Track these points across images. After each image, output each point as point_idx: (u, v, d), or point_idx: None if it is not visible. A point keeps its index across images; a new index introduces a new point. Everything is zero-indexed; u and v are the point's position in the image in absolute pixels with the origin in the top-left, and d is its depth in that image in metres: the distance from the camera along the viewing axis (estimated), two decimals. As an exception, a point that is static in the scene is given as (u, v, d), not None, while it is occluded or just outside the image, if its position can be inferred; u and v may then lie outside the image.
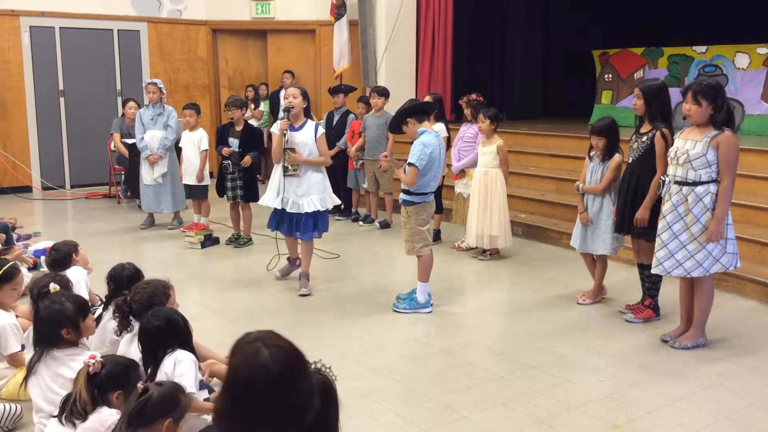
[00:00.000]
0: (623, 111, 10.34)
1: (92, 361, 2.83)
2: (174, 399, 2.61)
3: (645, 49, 10.58)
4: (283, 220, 5.57)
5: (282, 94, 11.08)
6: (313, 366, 2.36)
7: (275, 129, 5.48)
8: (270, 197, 5.53)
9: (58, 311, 3.31)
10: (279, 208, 5.48)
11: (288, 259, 6.00)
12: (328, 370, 2.34)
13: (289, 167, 5.42)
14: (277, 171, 5.50)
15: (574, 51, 12.33)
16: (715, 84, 4.24)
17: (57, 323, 3.28)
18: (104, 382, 2.85)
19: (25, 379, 3.29)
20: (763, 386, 3.95)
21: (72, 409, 2.80)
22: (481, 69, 12.39)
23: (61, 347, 3.28)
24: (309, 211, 5.42)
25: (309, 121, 5.52)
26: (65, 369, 3.21)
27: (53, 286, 3.71)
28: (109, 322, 3.75)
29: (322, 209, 5.50)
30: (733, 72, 9.40)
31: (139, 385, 2.60)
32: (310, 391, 1.86)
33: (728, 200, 4.20)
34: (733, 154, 4.18)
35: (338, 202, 5.92)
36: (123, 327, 3.43)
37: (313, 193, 5.45)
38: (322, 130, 5.56)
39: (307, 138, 5.44)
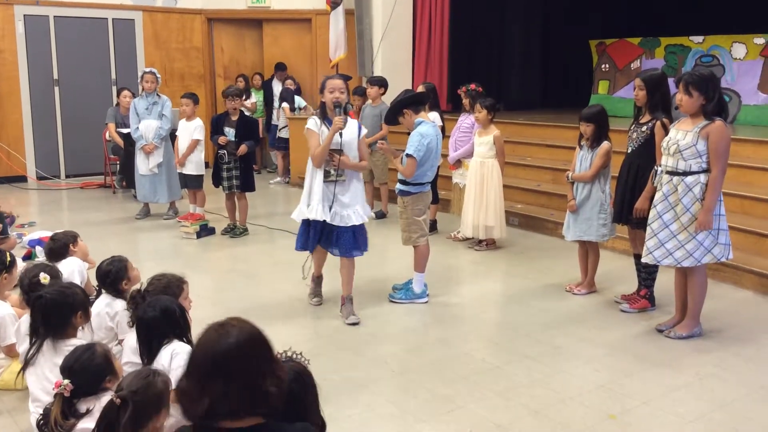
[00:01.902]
0: (620, 101, 10.33)
1: (62, 385, 2.79)
2: (154, 396, 2.53)
3: (642, 39, 10.55)
4: (316, 234, 4.82)
5: (274, 83, 11.10)
6: (284, 353, 2.40)
7: (313, 126, 4.70)
8: (315, 209, 4.69)
9: (72, 295, 3.32)
10: (327, 220, 4.71)
11: (314, 278, 5.22)
12: (299, 356, 2.39)
13: (332, 172, 4.66)
14: (316, 177, 4.72)
15: (571, 41, 12.30)
16: (708, 74, 4.22)
17: (71, 308, 3.28)
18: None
19: (23, 369, 3.27)
20: (759, 377, 3.95)
21: (53, 431, 2.78)
22: (479, 59, 12.36)
23: (65, 336, 3.27)
24: (357, 223, 4.75)
25: (350, 119, 4.78)
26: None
27: (43, 276, 3.69)
28: (103, 309, 3.80)
29: (365, 221, 4.86)
30: (730, 62, 9.38)
31: (114, 398, 2.48)
32: (275, 372, 1.87)
33: (718, 190, 4.19)
34: (723, 144, 4.17)
35: (371, 214, 5.05)
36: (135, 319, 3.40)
37: (357, 202, 4.77)
38: (365, 130, 4.91)
39: (353, 139, 4.71)
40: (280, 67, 11.27)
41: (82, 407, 2.83)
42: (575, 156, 5.35)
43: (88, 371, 2.84)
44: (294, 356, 2.44)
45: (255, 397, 1.82)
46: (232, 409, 1.80)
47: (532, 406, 3.58)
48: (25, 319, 3.54)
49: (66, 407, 2.79)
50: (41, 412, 3.04)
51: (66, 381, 2.79)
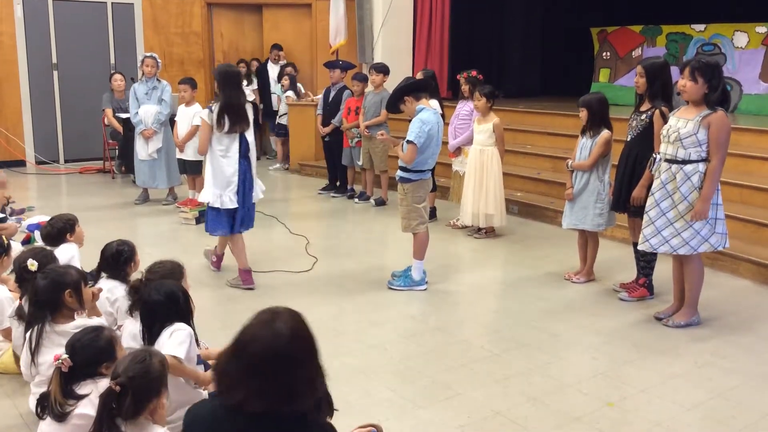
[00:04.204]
0: (621, 89, 10.30)
1: (60, 359, 2.78)
2: (152, 379, 2.53)
3: (643, 27, 10.51)
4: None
5: (270, 66, 11.04)
6: None
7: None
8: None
9: (64, 274, 3.31)
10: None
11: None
12: None
13: None
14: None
15: (572, 29, 12.23)
16: (714, 63, 4.21)
17: (60, 285, 3.26)
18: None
19: (32, 357, 3.24)
20: (756, 365, 3.97)
21: (52, 410, 2.77)
22: (479, 45, 12.29)
23: (61, 317, 3.25)
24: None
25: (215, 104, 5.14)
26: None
27: (31, 263, 3.67)
28: (103, 295, 3.77)
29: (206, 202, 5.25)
30: (732, 51, 9.35)
31: (113, 386, 2.48)
32: (306, 382, 1.89)
33: (716, 180, 4.19)
34: (724, 134, 4.16)
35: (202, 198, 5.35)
36: (136, 306, 3.39)
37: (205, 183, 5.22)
38: (201, 113, 5.20)
39: None
40: (277, 47, 11.17)
41: (80, 391, 2.82)
42: (577, 144, 5.34)
43: (87, 351, 2.83)
44: None
45: (289, 397, 1.84)
46: (263, 403, 1.83)
47: (530, 394, 3.60)
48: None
49: (64, 387, 2.79)
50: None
51: (65, 355, 2.79)
